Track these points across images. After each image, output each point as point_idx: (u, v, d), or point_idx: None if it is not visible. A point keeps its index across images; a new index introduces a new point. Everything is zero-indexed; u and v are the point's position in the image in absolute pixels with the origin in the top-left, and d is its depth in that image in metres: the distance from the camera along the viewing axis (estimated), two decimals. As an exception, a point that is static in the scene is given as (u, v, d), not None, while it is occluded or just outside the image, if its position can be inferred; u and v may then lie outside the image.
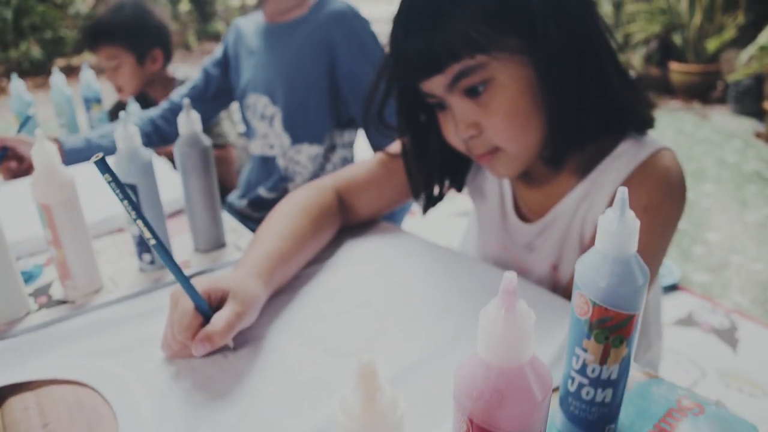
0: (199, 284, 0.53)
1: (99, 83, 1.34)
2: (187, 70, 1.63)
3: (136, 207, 0.47)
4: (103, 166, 0.44)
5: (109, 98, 1.65)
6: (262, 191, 1.20)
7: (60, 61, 5.81)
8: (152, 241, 0.48)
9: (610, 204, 0.65)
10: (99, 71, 1.57)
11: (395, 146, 0.79)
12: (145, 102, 1.54)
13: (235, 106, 1.43)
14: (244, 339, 0.57)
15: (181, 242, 0.79)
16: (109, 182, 0.45)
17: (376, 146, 1.05)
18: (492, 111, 0.61)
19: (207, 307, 0.53)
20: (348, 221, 0.79)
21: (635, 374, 0.51)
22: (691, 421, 0.45)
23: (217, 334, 0.51)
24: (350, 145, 1.18)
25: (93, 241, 0.76)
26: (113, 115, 1.58)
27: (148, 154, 0.69)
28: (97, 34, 1.47)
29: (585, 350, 0.40)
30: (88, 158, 1.10)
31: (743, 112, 3.50)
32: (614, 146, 0.67)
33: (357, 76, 1.05)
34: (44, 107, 2.98)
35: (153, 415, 0.48)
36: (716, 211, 2.31)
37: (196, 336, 0.51)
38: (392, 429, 0.26)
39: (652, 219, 0.63)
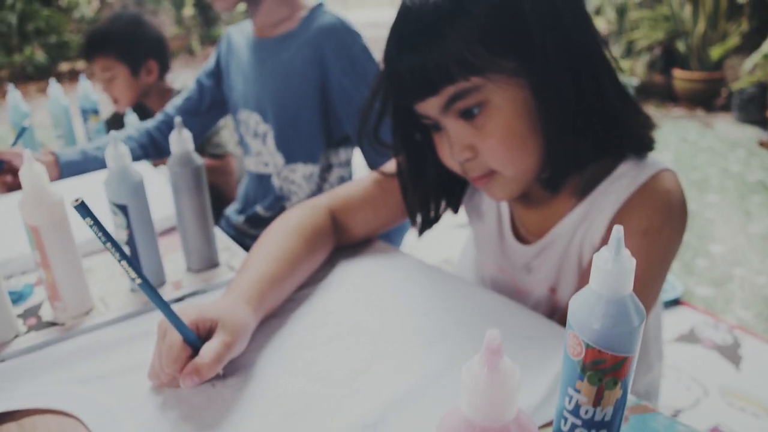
0: (187, 315, 0.52)
1: (96, 94, 1.34)
2: (186, 78, 1.63)
3: (119, 249, 0.45)
4: (83, 211, 0.42)
5: (107, 109, 1.65)
6: (260, 209, 1.18)
7: (64, 66, 5.83)
8: (138, 281, 0.47)
9: (610, 227, 0.64)
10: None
11: (390, 165, 0.78)
12: (143, 112, 1.54)
13: (233, 114, 1.41)
14: (234, 367, 0.56)
15: (174, 261, 0.78)
16: (91, 226, 0.43)
17: (373, 165, 1.03)
18: (487, 133, 0.60)
19: (195, 338, 0.52)
20: (342, 241, 0.78)
21: (633, 407, 0.50)
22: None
23: (205, 366, 0.50)
24: (347, 164, 1.15)
25: (84, 259, 0.75)
26: (110, 125, 1.57)
27: (139, 174, 0.68)
28: (92, 46, 1.48)
29: (578, 391, 0.39)
30: (84, 171, 1.09)
31: (747, 121, 3.47)
32: (614, 167, 0.65)
33: (349, 93, 1.02)
34: (47, 113, 2.98)
35: (137, 448, 0.47)
36: (719, 222, 2.29)
37: (185, 369, 0.50)
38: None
39: (652, 243, 0.62)
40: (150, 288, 0.48)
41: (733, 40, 3.62)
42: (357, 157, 1.14)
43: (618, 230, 0.36)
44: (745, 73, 3.52)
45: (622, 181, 0.64)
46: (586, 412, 0.39)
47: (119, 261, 0.45)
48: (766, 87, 3.34)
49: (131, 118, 1.30)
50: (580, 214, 0.67)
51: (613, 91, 0.61)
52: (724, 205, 2.44)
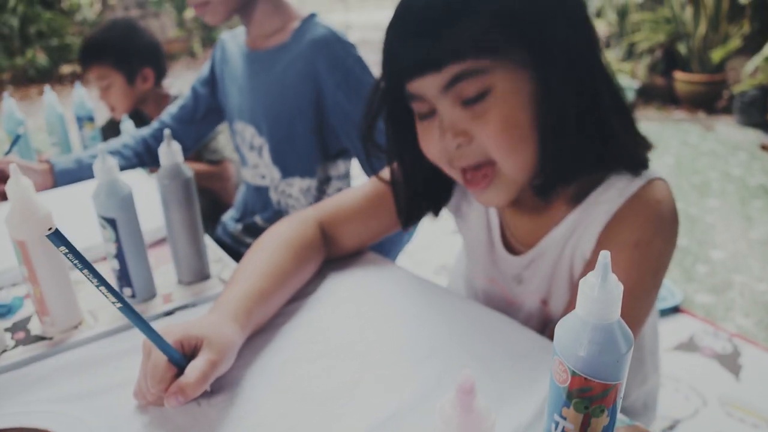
0: (172, 334, 0.52)
1: (92, 101, 1.33)
2: (187, 82, 1.62)
3: (97, 275, 0.45)
4: (57, 239, 0.42)
5: (103, 116, 1.64)
6: (259, 220, 1.16)
7: (66, 68, 5.83)
8: (118, 305, 0.46)
9: (600, 239, 0.63)
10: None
11: (382, 175, 0.77)
12: (140, 119, 1.53)
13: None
14: (220, 385, 0.55)
15: (164, 273, 0.77)
16: (66, 254, 0.43)
17: (370, 174, 1.02)
18: (488, 120, 0.58)
19: (180, 357, 0.51)
20: (332, 254, 0.77)
21: (625, 427, 0.49)
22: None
23: (190, 386, 0.49)
24: (346, 176, 1.13)
25: (72, 272, 0.75)
26: (107, 132, 1.57)
27: (128, 186, 0.67)
28: (87, 55, 1.48)
29: (564, 418, 0.38)
30: (79, 179, 1.09)
31: (749, 123, 3.46)
32: (606, 176, 0.65)
33: (343, 106, 0.99)
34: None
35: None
36: (720, 227, 2.28)
37: (169, 389, 0.49)
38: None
39: (643, 255, 0.61)
40: (131, 311, 0.47)
41: (735, 43, 3.60)
42: (356, 169, 1.12)
43: (605, 256, 0.35)
44: (746, 75, 3.51)
45: (613, 191, 0.63)
46: (573, 439, 0.38)
47: (97, 287, 0.44)
48: (768, 90, 3.33)
49: (127, 125, 1.29)
50: (570, 224, 0.66)
51: (614, 106, 0.60)
52: (725, 210, 2.42)
